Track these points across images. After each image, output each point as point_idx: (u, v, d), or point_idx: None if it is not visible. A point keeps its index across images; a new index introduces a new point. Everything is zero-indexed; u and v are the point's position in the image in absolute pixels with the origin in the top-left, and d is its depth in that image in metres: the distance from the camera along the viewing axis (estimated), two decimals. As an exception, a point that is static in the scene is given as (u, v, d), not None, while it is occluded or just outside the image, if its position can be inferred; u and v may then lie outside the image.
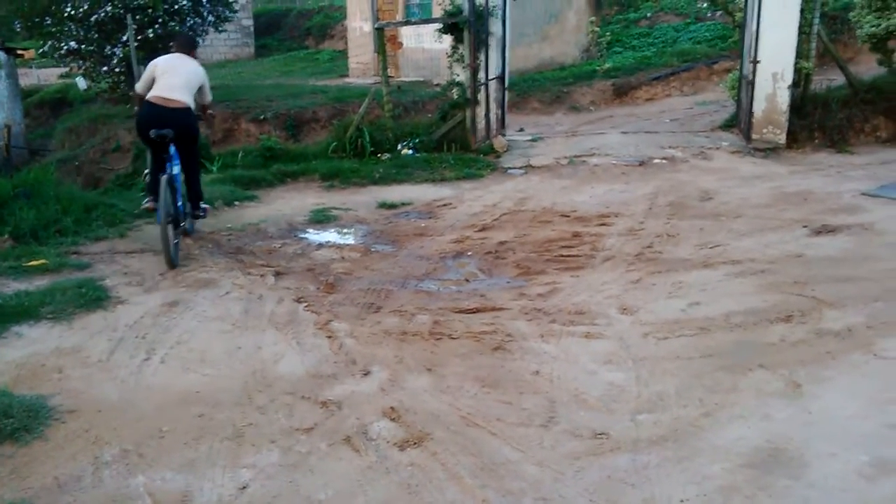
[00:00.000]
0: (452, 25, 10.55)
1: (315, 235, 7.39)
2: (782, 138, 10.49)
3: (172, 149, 6.57)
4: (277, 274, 6.14)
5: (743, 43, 11.28)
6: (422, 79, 16.09)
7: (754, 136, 10.61)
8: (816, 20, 10.37)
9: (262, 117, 12.40)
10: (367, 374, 4.26)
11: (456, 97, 10.98)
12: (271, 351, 4.60)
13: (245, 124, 12.56)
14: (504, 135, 11.61)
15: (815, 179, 9.06)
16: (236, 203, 8.59)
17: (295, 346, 4.66)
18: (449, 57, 10.91)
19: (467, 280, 6.07)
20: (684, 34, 18.09)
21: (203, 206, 7.30)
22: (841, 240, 6.58)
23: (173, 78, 6.67)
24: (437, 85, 16.34)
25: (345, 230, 7.61)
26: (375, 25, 12.00)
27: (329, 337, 4.80)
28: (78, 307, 5.24)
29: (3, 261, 6.38)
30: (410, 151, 10.76)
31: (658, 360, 4.37)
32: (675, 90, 15.58)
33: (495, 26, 10.82)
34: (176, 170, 6.60)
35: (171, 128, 6.42)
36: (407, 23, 15.14)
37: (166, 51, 13.38)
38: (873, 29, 10.68)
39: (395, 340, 4.73)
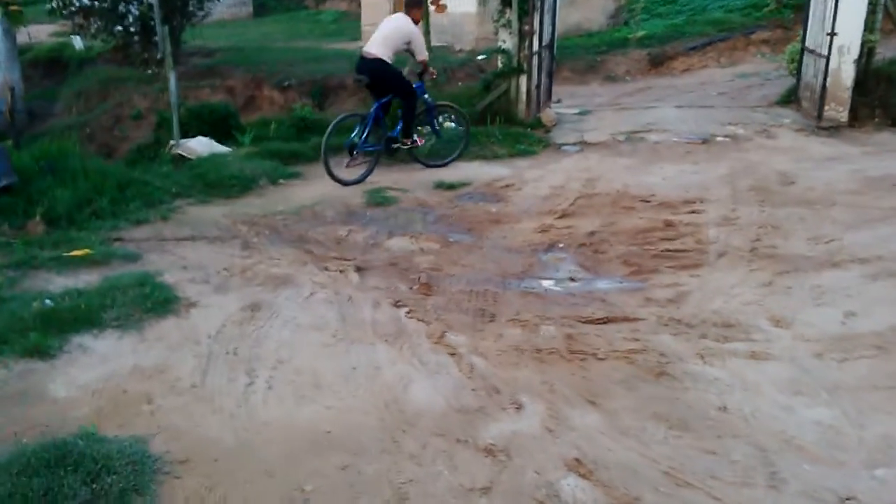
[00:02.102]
0: (501, -12, 9.73)
1: (381, 221, 6.64)
2: (845, 116, 9.82)
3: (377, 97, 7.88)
4: (358, 269, 5.42)
5: (807, 13, 10.55)
6: (444, 44, 15.18)
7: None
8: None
9: (286, 84, 11.46)
10: (518, 407, 3.57)
11: (501, 66, 10.19)
12: (393, 373, 3.89)
13: (268, 91, 11.65)
14: (550, 107, 10.86)
15: (892, 162, 8.42)
16: (281, 181, 7.83)
17: (418, 367, 3.96)
18: (495, 22, 10.10)
19: (573, 279, 5.40)
20: (713, 2, 17.28)
21: (414, 138, 8.33)
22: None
23: (377, 33, 7.82)
24: (461, 51, 15.50)
25: (411, 216, 6.87)
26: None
27: (452, 354, 4.10)
28: (145, 311, 4.48)
29: (41, 249, 5.58)
30: (453, 125, 9.96)
31: (853, 390, 3.72)
32: (711, 61, 14.80)
33: (547, -11, 10.02)
34: (372, 109, 7.82)
35: (366, 74, 7.76)
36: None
37: (184, 9, 12.57)
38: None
39: (531, 360, 4.05)
